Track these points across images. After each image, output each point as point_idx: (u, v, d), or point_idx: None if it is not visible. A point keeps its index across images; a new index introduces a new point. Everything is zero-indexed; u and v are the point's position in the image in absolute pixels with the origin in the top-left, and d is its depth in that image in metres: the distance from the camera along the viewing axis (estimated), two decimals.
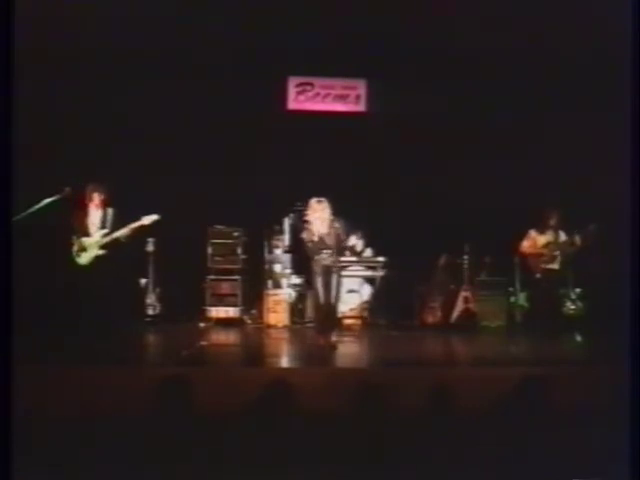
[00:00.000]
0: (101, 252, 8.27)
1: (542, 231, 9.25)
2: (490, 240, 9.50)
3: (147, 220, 8.37)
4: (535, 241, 9.26)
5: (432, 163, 10.12)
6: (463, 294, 9.70)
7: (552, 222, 9.17)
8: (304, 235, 8.07)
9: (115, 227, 8.34)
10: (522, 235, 9.43)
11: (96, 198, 8.39)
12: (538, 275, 9.25)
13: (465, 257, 9.69)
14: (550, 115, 9.99)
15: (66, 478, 3.69)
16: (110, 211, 8.41)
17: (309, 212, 8.01)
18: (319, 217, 7.93)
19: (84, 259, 8.28)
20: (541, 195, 9.73)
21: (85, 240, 8.29)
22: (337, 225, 7.95)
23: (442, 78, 10.01)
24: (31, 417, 4.11)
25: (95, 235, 8.33)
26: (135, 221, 8.34)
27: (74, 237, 8.30)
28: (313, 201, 8.00)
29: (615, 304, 4.68)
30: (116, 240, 8.29)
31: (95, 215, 8.42)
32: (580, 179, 9.51)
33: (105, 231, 8.34)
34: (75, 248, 8.28)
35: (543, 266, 9.20)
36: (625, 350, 4.07)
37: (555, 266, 9.22)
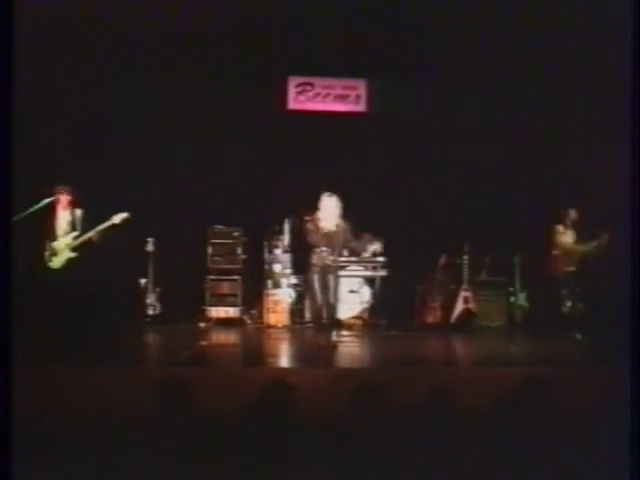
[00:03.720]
0: (73, 255, 8.10)
1: (567, 230, 9.20)
2: (490, 240, 9.51)
3: (118, 219, 8.14)
4: (563, 239, 9.22)
5: (432, 163, 10.13)
6: (463, 294, 9.70)
7: (573, 221, 9.13)
8: (309, 226, 8.05)
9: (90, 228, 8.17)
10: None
11: (64, 199, 8.14)
12: (560, 275, 9.18)
13: (465, 257, 9.70)
14: (550, 115, 10.00)
15: (66, 478, 3.69)
16: (79, 212, 8.20)
17: (320, 206, 8.00)
18: (328, 212, 7.93)
19: (56, 263, 8.13)
20: (541, 195, 9.76)
21: (55, 244, 8.13)
22: (345, 224, 7.97)
23: (442, 78, 10.02)
24: (31, 417, 4.10)
25: (66, 238, 8.16)
26: (105, 221, 8.13)
27: (46, 241, 8.12)
28: (325, 195, 8.02)
29: (615, 304, 4.68)
30: (88, 242, 8.12)
31: (65, 217, 8.23)
32: (580, 179, 9.52)
33: (75, 233, 8.15)
34: (47, 253, 8.10)
35: (567, 266, 9.14)
36: (625, 350, 4.07)
37: (573, 267, 9.17)
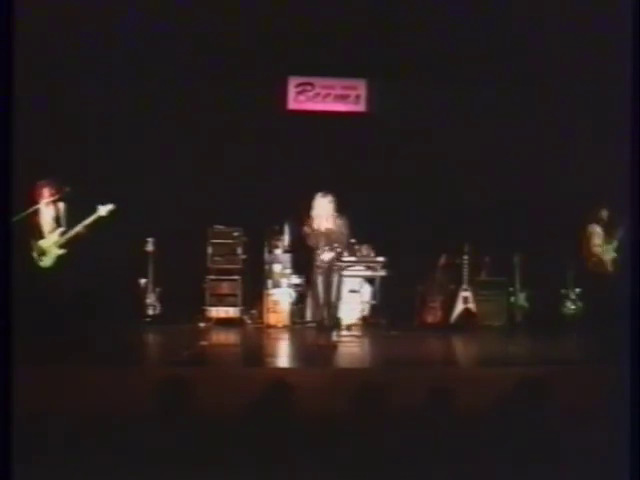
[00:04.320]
0: (62, 252, 7.98)
1: (603, 227, 9.13)
2: (490, 240, 9.52)
3: (103, 211, 8.02)
4: (601, 238, 9.15)
5: (432, 163, 10.13)
6: (463, 294, 9.69)
7: (610, 219, 9.04)
8: (306, 228, 8.11)
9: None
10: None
11: (49, 195, 7.99)
12: (604, 275, 9.05)
13: (465, 257, 9.69)
14: (550, 115, 10.00)
15: (66, 478, 3.69)
16: (63, 207, 8.09)
17: (314, 206, 8.04)
18: (323, 212, 7.96)
19: (47, 262, 8.01)
20: (541, 194, 9.77)
21: (42, 242, 8.00)
22: (340, 221, 8.02)
23: (442, 78, 10.02)
24: (31, 418, 4.10)
25: (53, 235, 8.04)
26: (91, 215, 8.02)
27: (32, 241, 7.95)
28: (318, 195, 8.06)
29: (615, 304, 4.68)
30: (76, 237, 8.00)
31: (49, 213, 8.09)
32: (579, 179, 9.53)
33: (62, 229, 8.04)
34: (35, 253, 7.96)
35: (608, 266, 9.06)
36: (625, 350, 4.07)
37: (611, 268, 9.09)
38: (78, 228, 8.04)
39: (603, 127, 8.62)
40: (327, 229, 7.98)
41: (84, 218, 8.08)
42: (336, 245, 8.07)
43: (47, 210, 8.10)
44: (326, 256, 7.98)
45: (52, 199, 8.05)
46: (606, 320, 6.68)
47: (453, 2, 9.18)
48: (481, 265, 9.92)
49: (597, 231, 9.15)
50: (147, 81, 9.80)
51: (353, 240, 9.16)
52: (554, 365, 6.67)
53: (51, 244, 8.04)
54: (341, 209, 8.30)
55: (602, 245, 9.08)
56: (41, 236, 8.04)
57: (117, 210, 8.25)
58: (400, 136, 10.24)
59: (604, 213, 9.20)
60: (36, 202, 7.94)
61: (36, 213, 7.96)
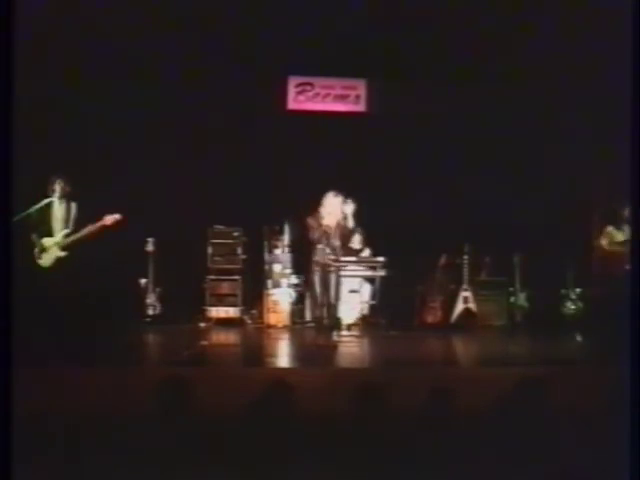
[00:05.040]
0: (62, 254, 7.96)
1: (619, 227, 8.95)
2: (490, 240, 9.52)
3: (109, 220, 8.01)
4: (612, 237, 9.09)
5: (432, 163, 10.13)
6: (463, 294, 9.70)
7: (626, 216, 8.77)
8: (311, 221, 8.17)
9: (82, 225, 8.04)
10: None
11: (58, 193, 7.98)
12: (620, 275, 8.90)
13: (465, 257, 9.69)
14: (548, 115, 10.00)
15: (66, 478, 3.69)
16: (73, 209, 8.07)
17: (324, 203, 8.12)
18: (332, 210, 8.04)
19: (46, 261, 7.98)
20: (541, 194, 9.78)
21: (45, 241, 7.97)
22: (346, 223, 8.08)
23: (442, 78, 10.02)
24: (31, 418, 4.10)
25: (57, 235, 8.02)
26: (96, 222, 8.02)
27: (35, 236, 7.94)
28: (330, 194, 8.14)
29: (615, 304, 4.68)
30: (77, 241, 7.99)
31: (59, 211, 8.06)
32: (578, 179, 9.53)
33: (67, 231, 8.03)
34: (36, 249, 7.94)
35: (624, 265, 8.88)
36: (625, 350, 4.07)
37: (611, 267, 8.99)
38: (81, 234, 8.03)
39: (604, 127, 8.62)
40: (331, 227, 8.05)
41: (87, 219, 8.08)
42: (335, 246, 8.13)
43: (55, 209, 8.08)
44: (326, 252, 8.04)
45: (60, 197, 8.04)
46: (606, 320, 6.68)
47: (453, 2, 9.19)
48: (481, 265, 9.92)
49: (615, 231, 9.12)
50: (147, 81, 9.80)
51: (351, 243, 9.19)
52: (554, 365, 6.67)
53: (53, 244, 8.03)
54: (349, 211, 8.33)
55: (606, 245, 9.05)
56: (47, 234, 8.02)
57: (117, 210, 8.24)
58: (400, 136, 10.26)
59: (604, 213, 9.18)
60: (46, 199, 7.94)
61: (43, 210, 7.93)
